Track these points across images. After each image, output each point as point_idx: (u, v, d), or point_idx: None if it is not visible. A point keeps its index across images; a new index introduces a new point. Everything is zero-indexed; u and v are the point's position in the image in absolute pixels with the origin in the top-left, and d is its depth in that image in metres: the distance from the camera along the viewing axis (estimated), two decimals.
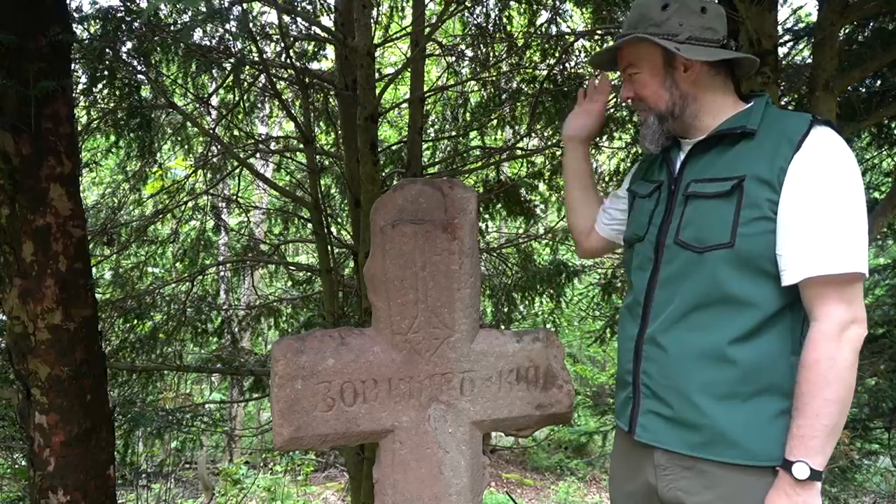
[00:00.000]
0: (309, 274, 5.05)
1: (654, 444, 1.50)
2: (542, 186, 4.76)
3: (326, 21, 4.28)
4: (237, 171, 4.60)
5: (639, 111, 1.60)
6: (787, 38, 3.86)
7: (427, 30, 3.29)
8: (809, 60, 3.37)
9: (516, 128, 4.69)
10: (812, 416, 1.30)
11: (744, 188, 1.39)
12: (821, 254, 1.31)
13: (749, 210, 1.37)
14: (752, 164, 1.40)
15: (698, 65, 1.53)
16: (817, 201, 1.33)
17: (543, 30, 4.05)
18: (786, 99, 3.75)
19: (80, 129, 3.47)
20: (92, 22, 2.94)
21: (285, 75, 4.12)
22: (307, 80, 3.74)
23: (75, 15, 2.87)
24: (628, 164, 4.45)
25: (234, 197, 5.03)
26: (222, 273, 5.69)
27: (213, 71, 3.84)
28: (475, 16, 4.11)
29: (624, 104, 3.61)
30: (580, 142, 1.91)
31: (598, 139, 4.34)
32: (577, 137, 1.91)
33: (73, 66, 2.76)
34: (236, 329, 4.67)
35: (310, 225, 4.05)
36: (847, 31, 3.47)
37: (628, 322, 1.61)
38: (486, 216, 4.72)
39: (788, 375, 1.39)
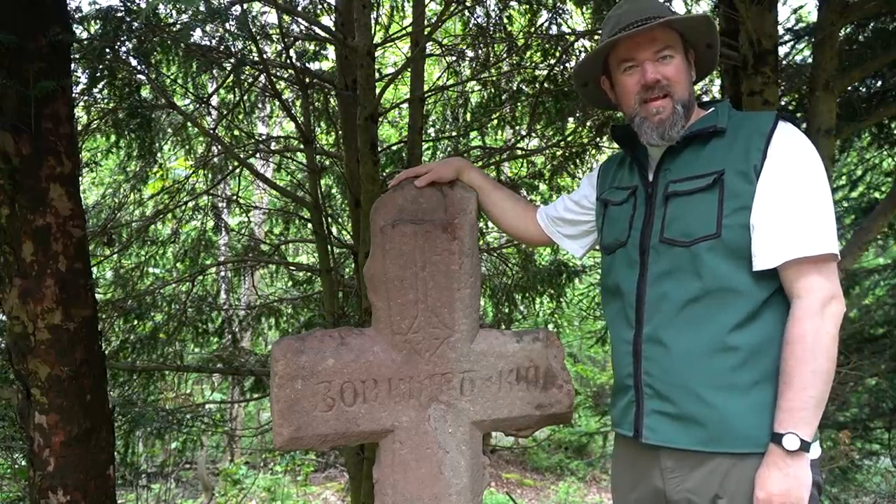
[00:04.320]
0: (309, 274, 5.05)
1: (662, 445, 1.49)
2: (542, 186, 4.76)
3: (326, 21, 4.28)
4: (237, 171, 4.60)
5: (657, 100, 1.51)
6: (787, 37, 3.86)
7: (427, 30, 3.29)
8: (809, 60, 3.37)
9: (516, 128, 4.69)
10: (799, 389, 1.33)
11: (724, 181, 1.43)
12: (801, 236, 1.37)
13: (731, 201, 1.42)
14: (729, 159, 1.45)
15: (693, 65, 1.60)
16: (795, 188, 1.39)
17: (544, 30, 4.05)
18: (786, 99, 3.75)
19: (80, 129, 3.46)
20: (92, 22, 2.93)
21: (285, 75, 4.12)
22: (307, 80, 3.73)
23: (75, 15, 2.87)
24: None
25: (235, 197, 5.02)
26: (223, 273, 5.68)
27: (214, 71, 3.83)
28: (475, 16, 4.11)
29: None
30: (462, 177, 1.81)
31: (597, 140, 4.35)
32: (455, 177, 1.79)
33: (73, 66, 2.76)
34: (237, 329, 4.66)
35: (310, 225, 4.05)
36: (847, 31, 3.47)
37: (621, 326, 1.60)
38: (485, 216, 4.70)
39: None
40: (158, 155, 4.29)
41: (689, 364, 1.44)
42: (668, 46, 1.51)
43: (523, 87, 4.29)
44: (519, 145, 4.78)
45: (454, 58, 4.46)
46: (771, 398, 1.39)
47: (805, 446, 1.33)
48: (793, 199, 1.38)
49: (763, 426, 1.39)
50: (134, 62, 3.13)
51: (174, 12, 3.20)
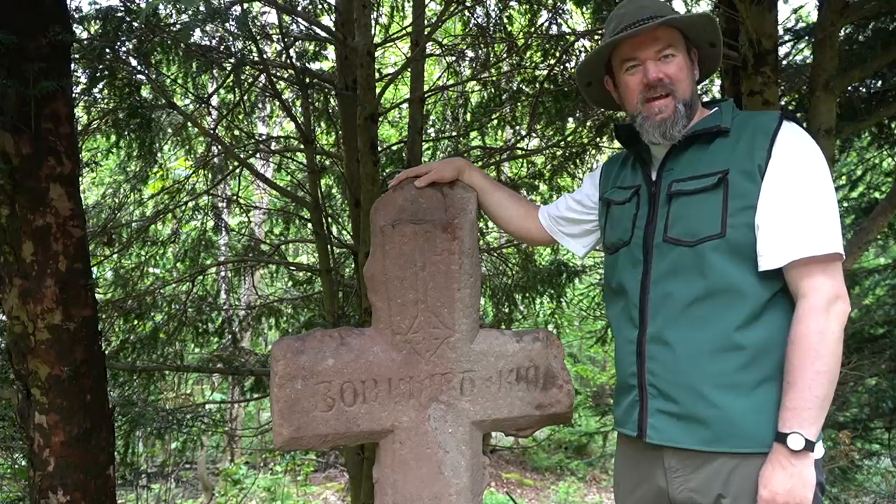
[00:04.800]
0: (309, 274, 5.05)
1: (666, 444, 1.49)
2: (542, 186, 4.76)
3: (326, 21, 4.28)
4: (237, 171, 4.60)
5: (659, 99, 1.52)
6: (787, 38, 3.86)
7: (427, 30, 3.29)
8: (809, 60, 3.37)
9: (516, 128, 4.69)
10: (804, 389, 1.33)
11: (729, 181, 1.43)
12: (807, 236, 1.37)
13: (736, 201, 1.42)
14: (733, 158, 1.45)
15: (697, 64, 1.60)
16: (800, 188, 1.39)
17: (544, 30, 4.05)
18: (786, 99, 3.75)
19: (80, 129, 3.46)
20: (92, 22, 2.94)
21: (285, 75, 4.12)
22: (307, 80, 3.73)
23: (75, 15, 2.87)
24: None
25: (235, 197, 5.02)
26: (223, 273, 5.69)
27: (214, 71, 3.83)
28: (475, 16, 4.11)
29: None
30: (462, 177, 1.80)
31: (597, 140, 4.35)
32: (455, 177, 1.78)
33: (73, 66, 2.76)
34: (237, 329, 4.66)
35: (310, 225, 4.05)
36: (847, 31, 3.46)
37: (625, 325, 1.60)
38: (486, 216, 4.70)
39: None
40: (158, 155, 4.29)
41: (694, 364, 1.44)
42: (669, 45, 1.52)
43: (523, 87, 4.29)
44: (519, 145, 4.78)
45: (454, 58, 4.46)
46: (775, 398, 1.39)
47: (809, 446, 1.33)
48: (798, 199, 1.38)
49: (767, 426, 1.39)
50: (134, 62, 3.13)
51: (174, 12, 3.20)
